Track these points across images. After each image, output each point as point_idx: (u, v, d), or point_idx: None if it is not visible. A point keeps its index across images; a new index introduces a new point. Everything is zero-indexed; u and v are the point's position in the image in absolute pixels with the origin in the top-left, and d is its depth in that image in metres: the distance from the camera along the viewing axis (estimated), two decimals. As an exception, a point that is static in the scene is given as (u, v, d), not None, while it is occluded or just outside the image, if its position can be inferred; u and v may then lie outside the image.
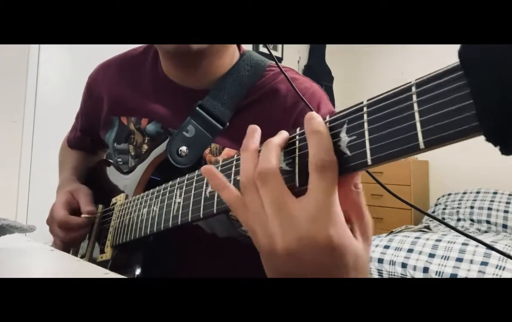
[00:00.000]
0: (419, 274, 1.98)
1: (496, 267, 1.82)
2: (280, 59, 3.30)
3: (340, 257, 0.31)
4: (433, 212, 2.99)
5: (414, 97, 0.27)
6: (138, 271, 0.59)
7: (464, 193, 2.93)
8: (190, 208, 0.46)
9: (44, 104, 2.27)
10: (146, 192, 0.58)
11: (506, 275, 1.77)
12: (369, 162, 0.29)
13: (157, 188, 0.56)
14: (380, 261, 2.07)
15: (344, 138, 0.31)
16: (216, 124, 0.61)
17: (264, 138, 0.39)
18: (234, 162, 0.41)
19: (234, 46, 0.67)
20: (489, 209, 2.70)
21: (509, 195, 2.70)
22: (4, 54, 2.10)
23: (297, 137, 0.35)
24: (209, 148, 0.61)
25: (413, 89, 0.27)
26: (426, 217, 2.95)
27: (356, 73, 3.83)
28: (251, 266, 0.65)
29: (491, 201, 2.73)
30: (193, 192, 0.46)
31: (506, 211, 2.63)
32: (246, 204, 0.34)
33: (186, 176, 0.50)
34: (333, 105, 0.66)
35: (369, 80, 3.66)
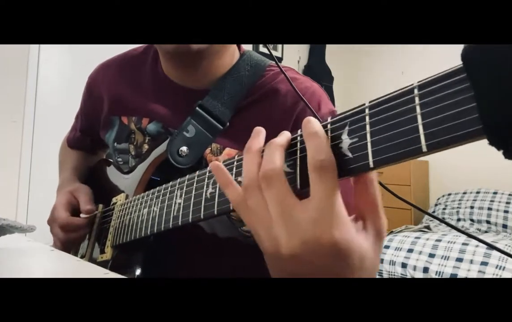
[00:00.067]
0: (419, 274, 1.98)
1: (496, 267, 1.82)
2: (280, 59, 3.30)
3: (346, 258, 0.31)
4: (433, 212, 2.99)
5: (417, 100, 0.27)
6: (138, 271, 0.59)
7: (464, 193, 2.93)
8: (191, 209, 0.46)
9: (44, 104, 2.27)
10: (147, 192, 0.58)
11: (506, 275, 1.77)
12: (371, 165, 0.29)
13: (157, 188, 0.56)
14: (380, 261, 2.07)
15: (346, 140, 0.31)
16: (216, 124, 0.61)
17: (265, 138, 0.39)
18: (235, 163, 0.41)
19: (234, 46, 0.67)
20: (489, 209, 2.70)
21: (509, 195, 2.70)
22: (4, 54, 2.10)
23: (298, 138, 0.34)
24: (210, 148, 0.61)
25: (416, 91, 0.27)
26: (426, 217, 2.95)
27: (356, 73, 3.83)
28: (251, 266, 0.65)
29: (491, 201, 2.73)
30: (193, 192, 0.46)
31: (506, 211, 2.63)
32: (250, 206, 0.34)
33: (187, 176, 0.50)
34: (333, 105, 0.66)
35: (369, 80, 3.66)
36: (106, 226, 0.68)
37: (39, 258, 0.53)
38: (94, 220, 0.72)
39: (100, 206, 0.73)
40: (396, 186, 2.94)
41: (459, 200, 2.90)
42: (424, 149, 0.26)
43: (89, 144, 0.87)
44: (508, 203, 2.66)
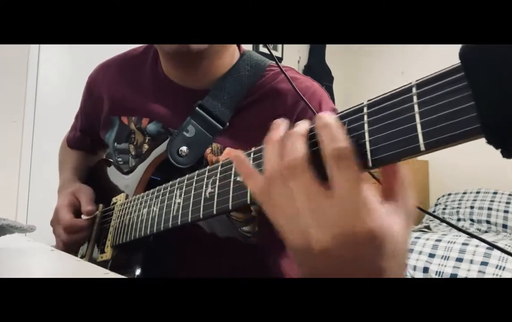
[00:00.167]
0: (419, 274, 1.98)
1: (496, 267, 1.82)
2: (280, 59, 3.30)
3: (380, 247, 0.29)
4: (433, 212, 2.99)
5: (415, 98, 0.27)
6: (138, 271, 0.60)
7: (464, 193, 2.93)
8: (190, 209, 0.46)
9: (44, 104, 2.27)
10: (146, 192, 0.58)
11: (506, 275, 1.77)
12: (370, 164, 0.29)
13: (157, 188, 0.56)
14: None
15: None
16: (216, 124, 0.61)
17: (264, 139, 0.39)
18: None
19: (234, 46, 0.67)
20: (489, 209, 2.70)
21: (509, 195, 2.70)
22: (4, 54, 2.10)
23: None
24: (210, 148, 0.61)
25: (414, 90, 0.27)
26: (426, 217, 2.95)
27: (356, 73, 3.83)
28: (251, 266, 0.65)
29: (491, 201, 2.73)
30: (193, 192, 0.46)
31: (506, 211, 2.62)
32: (273, 197, 0.32)
33: (186, 176, 0.50)
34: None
35: (369, 80, 3.66)
36: (106, 226, 0.68)
37: (39, 258, 0.53)
38: (94, 220, 0.72)
39: (100, 206, 0.73)
40: (396, 186, 2.93)
41: (459, 200, 2.90)
42: (422, 148, 0.26)
43: (89, 144, 0.87)
44: (508, 203, 2.65)
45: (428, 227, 2.48)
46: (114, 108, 0.72)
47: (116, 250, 0.64)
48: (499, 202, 2.69)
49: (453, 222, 2.81)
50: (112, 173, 0.76)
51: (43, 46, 2.25)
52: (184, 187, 0.49)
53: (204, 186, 0.44)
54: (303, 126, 0.33)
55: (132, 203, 0.62)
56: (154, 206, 0.54)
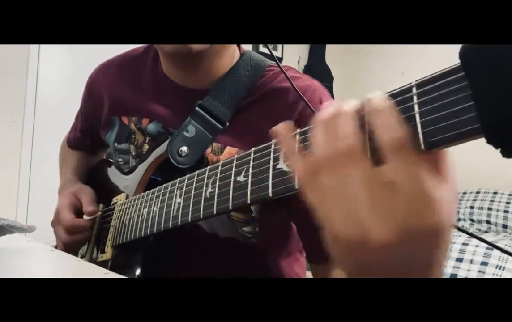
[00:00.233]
0: (419, 274, 1.98)
1: (496, 267, 1.82)
2: (280, 59, 3.30)
3: (445, 240, 0.28)
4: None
5: (415, 98, 0.27)
6: (138, 271, 0.60)
7: (464, 193, 2.93)
8: (190, 209, 0.46)
9: (44, 104, 2.27)
10: (147, 192, 0.58)
11: (506, 275, 1.77)
12: (423, 147, 0.28)
13: (157, 188, 0.56)
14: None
15: None
16: (216, 124, 0.61)
17: (265, 137, 0.39)
18: (235, 162, 0.41)
19: (234, 46, 0.67)
20: (489, 209, 2.70)
21: (509, 195, 2.70)
22: (4, 54, 2.10)
23: (297, 137, 0.34)
24: (211, 147, 0.61)
25: (414, 90, 0.27)
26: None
27: (356, 73, 3.83)
28: (252, 266, 0.65)
29: (491, 201, 2.73)
30: (193, 192, 0.46)
31: (506, 211, 2.62)
32: (321, 183, 0.29)
33: (187, 176, 0.50)
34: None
35: (369, 80, 3.66)
36: (107, 226, 0.68)
37: (39, 258, 0.53)
38: (95, 220, 0.72)
39: (101, 206, 0.73)
40: (396, 186, 2.93)
41: (459, 200, 2.90)
42: (422, 147, 0.26)
43: (89, 144, 0.87)
44: (508, 203, 2.65)
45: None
46: (114, 108, 0.72)
47: (116, 250, 0.64)
48: (499, 202, 2.69)
49: (453, 222, 2.81)
50: (113, 173, 0.76)
51: (43, 46, 2.25)
52: (185, 187, 0.49)
53: (205, 186, 0.44)
54: (352, 104, 0.30)
55: (132, 203, 0.62)
56: (154, 206, 0.54)
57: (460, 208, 2.85)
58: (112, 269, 0.60)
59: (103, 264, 0.64)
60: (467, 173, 3.04)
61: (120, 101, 0.71)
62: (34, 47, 2.23)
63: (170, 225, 0.50)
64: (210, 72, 0.64)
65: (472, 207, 2.79)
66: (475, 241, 1.97)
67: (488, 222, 2.68)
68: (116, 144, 0.72)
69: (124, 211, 0.64)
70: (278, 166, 0.35)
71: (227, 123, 0.61)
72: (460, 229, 0.38)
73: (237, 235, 0.62)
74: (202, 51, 0.59)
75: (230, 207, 0.40)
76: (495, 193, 2.76)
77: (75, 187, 0.75)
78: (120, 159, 0.72)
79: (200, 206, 0.44)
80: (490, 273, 1.80)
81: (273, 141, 0.37)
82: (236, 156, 0.41)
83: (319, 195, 0.30)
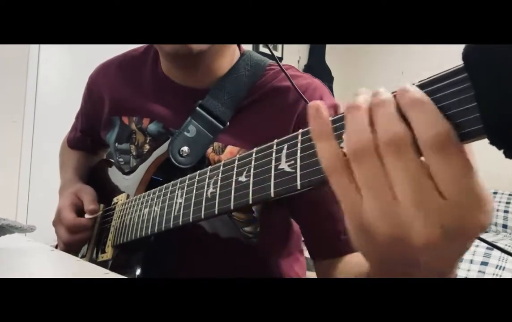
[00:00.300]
0: (419, 274, 1.98)
1: (496, 267, 1.82)
2: (280, 59, 3.29)
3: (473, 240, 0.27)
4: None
5: None
6: (138, 271, 0.60)
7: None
8: (191, 209, 0.46)
9: (44, 104, 2.27)
10: (148, 192, 0.58)
11: (506, 275, 1.77)
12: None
13: (158, 188, 0.56)
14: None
15: None
16: (216, 124, 0.61)
17: (266, 137, 0.39)
18: (236, 162, 0.41)
19: (235, 46, 0.67)
20: (489, 209, 2.70)
21: (509, 195, 2.70)
22: (4, 54, 2.10)
23: (299, 137, 0.34)
24: (212, 147, 0.61)
25: None
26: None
27: (356, 73, 3.83)
28: (253, 266, 0.65)
29: (491, 201, 2.73)
30: (194, 192, 0.46)
31: (506, 211, 2.63)
32: (358, 174, 0.27)
33: (188, 176, 0.50)
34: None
35: (369, 80, 3.66)
36: (107, 226, 0.68)
37: (39, 258, 0.53)
38: (96, 219, 0.72)
39: (101, 206, 0.73)
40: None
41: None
42: None
43: (90, 144, 0.87)
44: (508, 203, 2.66)
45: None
46: (114, 108, 0.72)
47: (117, 250, 0.64)
48: (499, 202, 2.69)
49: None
50: (113, 173, 0.76)
51: (43, 46, 2.25)
52: (186, 187, 0.49)
53: (206, 186, 0.44)
54: (389, 93, 0.27)
55: (133, 203, 0.62)
56: (155, 206, 0.54)
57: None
58: (112, 269, 0.60)
59: (103, 264, 0.64)
60: (467, 173, 3.04)
61: (121, 101, 0.71)
62: (34, 47, 2.23)
63: (171, 225, 0.49)
64: (210, 72, 0.64)
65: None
66: (475, 241, 1.97)
67: (488, 222, 2.68)
68: (116, 144, 0.72)
69: (124, 211, 0.64)
70: (280, 166, 0.35)
71: (228, 123, 0.62)
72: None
73: (238, 235, 0.62)
74: (202, 51, 0.59)
75: (232, 207, 0.40)
76: (495, 193, 2.76)
77: (76, 186, 0.75)
78: (120, 159, 0.72)
79: (202, 206, 0.44)
80: (490, 273, 1.80)
81: (275, 141, 0.37)
82: (237, 156, 0.41)
83: (352, 187, 0.28)
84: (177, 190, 0.50)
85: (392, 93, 0.27)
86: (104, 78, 0.76)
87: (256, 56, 0.67)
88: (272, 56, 0.62)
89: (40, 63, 2.27)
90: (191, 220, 0.46)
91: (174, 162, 0.59)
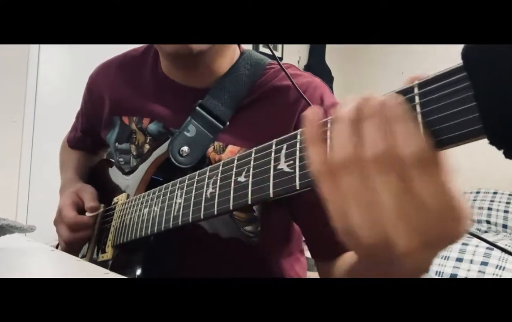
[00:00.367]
0: (419, 274, 1.98)
1: (496, 267, 1.82)
2: (280, 59, 3.30)
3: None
4: (433, 212, 2.98)
5: (417, 98, 0.27)
6: (138, 271, 0.60)
7: (464, 193, 2.92)
8: (191, 209, 0.46)
9: (44, 104, 2.27)
10: (147, 192, 0.58)
11: (506, 275, 1.77)
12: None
13: (158, 188, 0.56)
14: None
15: None
16: (216, 124, 0.61)
17: (267, 136, 0.39)
18: (235, 162, 0.41)
19: (235, 46, 0.67)
20: (489, 209, 2.70)
21: (509, 195, 2.70)
22: (4, 54, 2.10)
23: (298, 137, 0.34)
24: (213, 146, 0.61)
25: (416, 90, 0.27)
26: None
27: (356, 73, 3.83)
28: (253, 266, 0.65)
29: (491, 201, 2.73)
30: (194, 192, 0.46)
31: (506, 211, 2.63)
32: (341, 185, 0.28)
33: (187, 176, 0.50)
34: (333, 104, 0.66)
35: (369, 80, 3.66)
36: (107, 226, 0.68)
37: (39, 258, 0.53)
38: (96, 219, 0.72)
39: (102, 206, 0.73)
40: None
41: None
42: None
43: (90, 144, 0.87)
44: (508, 203, 2.66)
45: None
46: (115, 108, 0.72)
47: (117, 250, 0.64)
48: (499, 202, 2.69)
49: (453, 222, 2.81)
50: (113, 173, 0.76)
51: (43, 46, 2.25)
52: (185, 187, 0.49)
53: (205, 186, 0.44)
54: (376, 102, 0.27)
55: (133, 203, 0.62)
56: (155, 206, 0.54)
57: (460, 208, 2.84)
58: (112, 269, 0.60)
59: (103, 264, 0.64)
60: (467, 173, 3.04)
61: (121, 101, 0.71)
62: (34, 47, 2.23)
63: (171, 225, 0.49)
64: (210, 72, 0.64)
65: (472, 207, 2.79)
66: (475, 241, 1.97)
67: (488, 222, 2.68)
68: (117, 144, 0.72)
69: (125, 211, 0.64)
70: (279, 167, 0.35)
71: (228, 123, 0.61)
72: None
73: (239, 235, 0.62)
74: (202, 51, 0.59)
75: (231, 208, 0.40)
76: (495, 193, 2.77)
77: (77, 186, 0.75)
78: (121, 159, 0.72)
79: (201, 206, 0.44)
80: (490, 273, 1.80)
81: (274, 141, 0.37)
82: (237, 156, 0.41)
83: (338, 194, 0.28)
84: (176, 190, 0.50)
85: (384, 95, 0.27)
86: (104, 78, 0.76)
87: (256, 55, 0.67)
88: (272, 56, 0.62)
89: (40, 63, 2.27)
90: (190, 220, 0.46)
91: (174, 162, 0.59)
